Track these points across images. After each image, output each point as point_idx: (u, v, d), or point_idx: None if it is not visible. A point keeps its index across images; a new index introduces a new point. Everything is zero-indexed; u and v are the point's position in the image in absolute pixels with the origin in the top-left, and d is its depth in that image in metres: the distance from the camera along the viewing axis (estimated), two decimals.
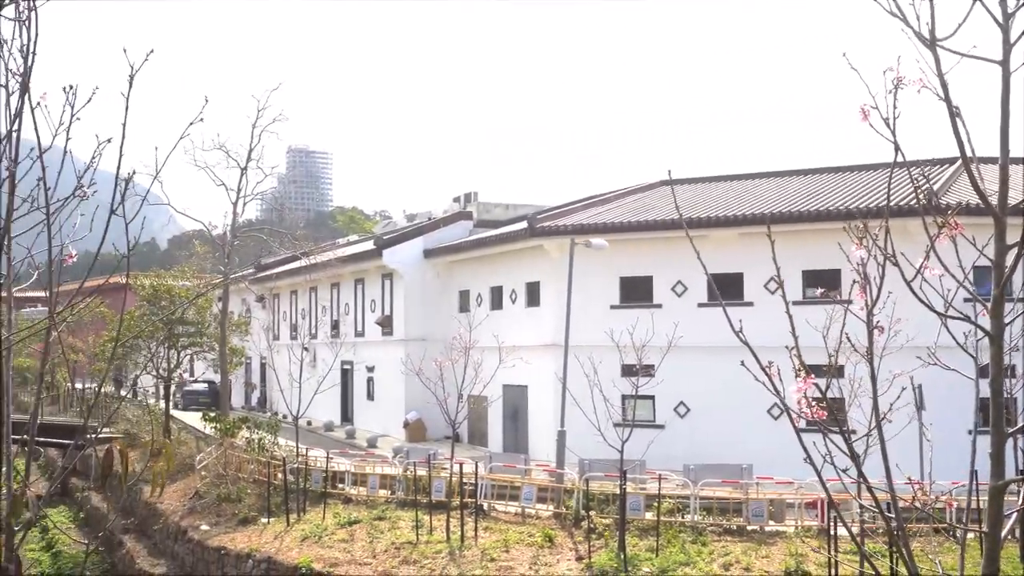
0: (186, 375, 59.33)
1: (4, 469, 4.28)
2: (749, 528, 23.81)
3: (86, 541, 36.61)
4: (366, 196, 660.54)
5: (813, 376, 4.18)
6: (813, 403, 4.17)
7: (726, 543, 23.09)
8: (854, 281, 4.43)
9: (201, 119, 5.06)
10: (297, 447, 32.68)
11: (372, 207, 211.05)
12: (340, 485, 31.23)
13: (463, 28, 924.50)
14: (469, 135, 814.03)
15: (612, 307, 35.67)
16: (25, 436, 4.75)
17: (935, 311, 4.30)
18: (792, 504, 24.40)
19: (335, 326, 52.52)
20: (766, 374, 4.21)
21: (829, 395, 4.33)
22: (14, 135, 4.22)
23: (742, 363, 4.38)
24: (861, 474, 4.26)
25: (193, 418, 48.34)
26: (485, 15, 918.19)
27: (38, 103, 4.25)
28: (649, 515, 24.32)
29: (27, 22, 4.15)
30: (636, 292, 35.94)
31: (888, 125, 4.27)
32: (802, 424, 4.36)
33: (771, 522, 23.96)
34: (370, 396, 50.25)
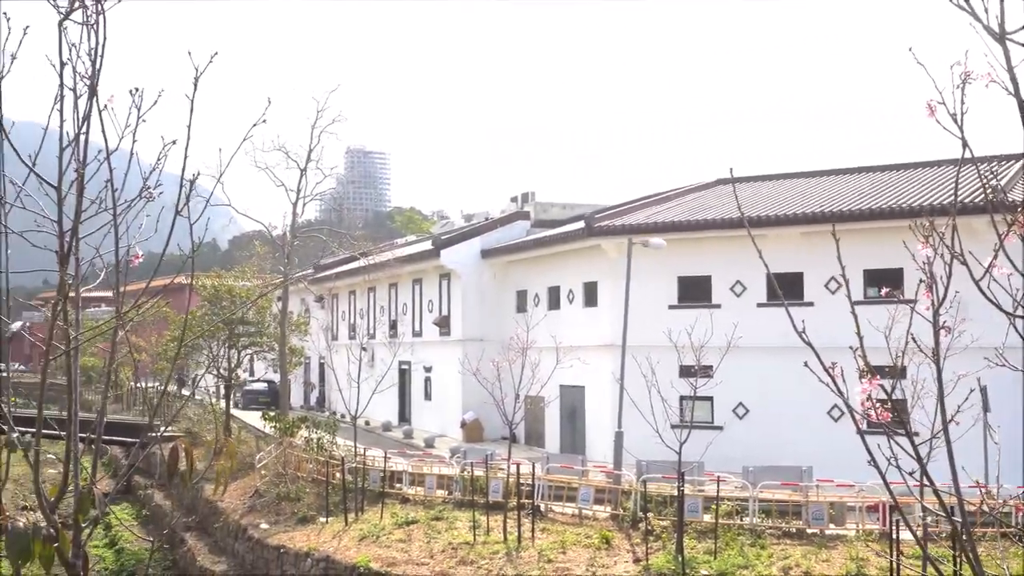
0: (246, 375, 60.01)
1: (72, 466, 4.35)
2: (809, 531, 23.54)
3: (151, 538, 37.17)
4: (424, 196, 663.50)
5: (879, 377, 4.11)
6: (878, 404, 4.11)
7: (785, 546, 22.86)
8: (920, 281, 4.35)
9: (264, 120, 5.10)
10: (355, 447, 32.90)
11: (430, 207, 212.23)
12: (398, 485, 31.38)
13: (519, 28, 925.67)
14: (526, 135, 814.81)
15: (670, 307, 35.49)
16: (90, 434, 4.82)
17: (1004, 311, 4.21)
18: (853, 507, 24.10)
19: (393, 326, 52.76)
20: (829, 375, 4.15)
21: (892, 396, 4.26)
22: (82, 138, 4.28)
23: (805, 364, 4.32)
24: (927, 476, 4.18)
25: (253, 417, 48.89)
26: (541, 15, 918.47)
27: (105, 106, 4.31)
28: (707, 517, 24.16)
29: (95, 26, 4.21)
30: (694, 292, 35.74)
31: (955, 121, 4.20)
32: (864, 426, 4.30)
33: (831, 525, 23.67)
34: (427, 396, 50.46)
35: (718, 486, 23.99)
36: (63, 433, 4.50)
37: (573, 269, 40.62)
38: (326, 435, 35.61)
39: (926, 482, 4.23)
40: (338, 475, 31.43)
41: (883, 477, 4.24)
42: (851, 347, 4.23)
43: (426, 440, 43.18)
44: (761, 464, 26.67)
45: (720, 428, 32.81)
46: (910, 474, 4.28)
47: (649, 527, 23.84)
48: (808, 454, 27.91)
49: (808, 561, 21.78)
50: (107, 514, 4.92)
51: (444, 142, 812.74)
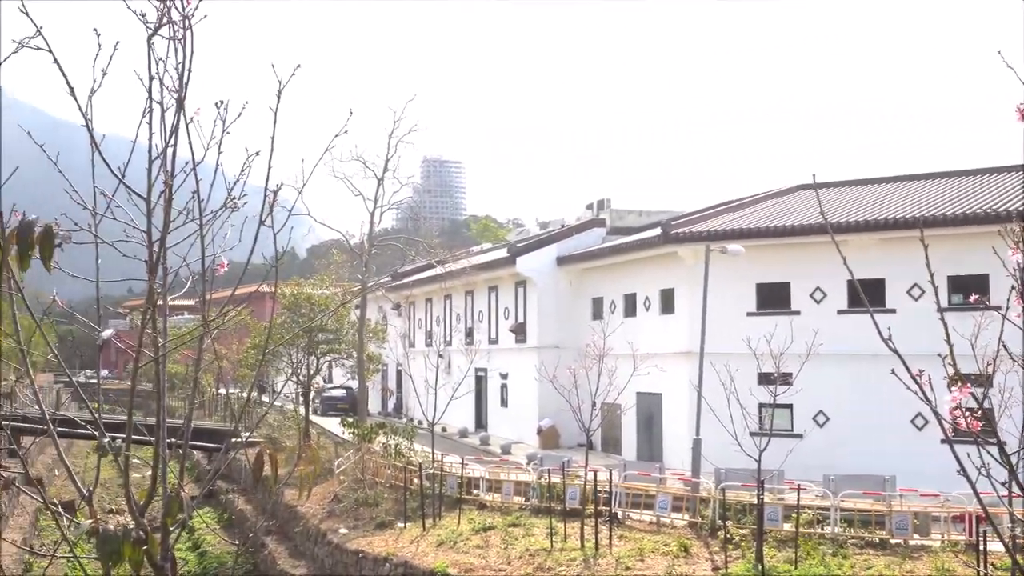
0: (324, 381, 60.62)
1: (160, 471, 4.43)
2: (893, 542, 23.09)
3: (236, 542, 37.74)
4: (499, 204, 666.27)
5: (969, 385, 4.03)
6: (967, 413, 4.02)
7: (868, 556, 22.46)
8: (1012, 287, 4.25)
9: (346, 131, 5.16)
10: (433, 453, 33.05)
11: (505, 215, 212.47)
12: (475, 491, 31.46)
13: (594, 34, 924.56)
14: (602, 142, 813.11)
15: (748, 314, 35.12)
16: (177, 439, 4.91)
17: None
18: (938, 518, 23.58)
19: (469, 333, 52.98)
20: (917, 383, 4.08)
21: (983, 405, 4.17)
22: (170, 150, 4.37)
23: (892, 371, 4.25)
24: (1020, 485, 4.09)
25: (331, 423, 49.37)
26: (613, 22, 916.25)
27: (192, 119, 4.40)
28: (787, 526, 23.82)
29: (182, 41, 4.30)
30: (773, 298, 35.33)
31: None
32: (951, 435, 4.22)
33: (916, 536, 23.19)
34: (503, 403, 50.54)
35: (798, 495, 23.64)
36: (151, 438, 4.59)
37: (649, 276, 40.41)
38: (404, 441, 35.82)
39: (1016, 491, 4.13)
40: (416, 481, 31.59)
41: (973, 486, 4.16)
42: (939, 354, 4.16)
43: (502, 447, 43.23)
44: (842, 473, 26.26)
45: (800, 436, 32.38)
46: (1002, 483, 4.18)
47: (728, 535, 23.60)
48: (890, 463, 27.42)
49: (892, 572, 21.37)
50: (191, 518, 5.01)
51: (519, 150, 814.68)
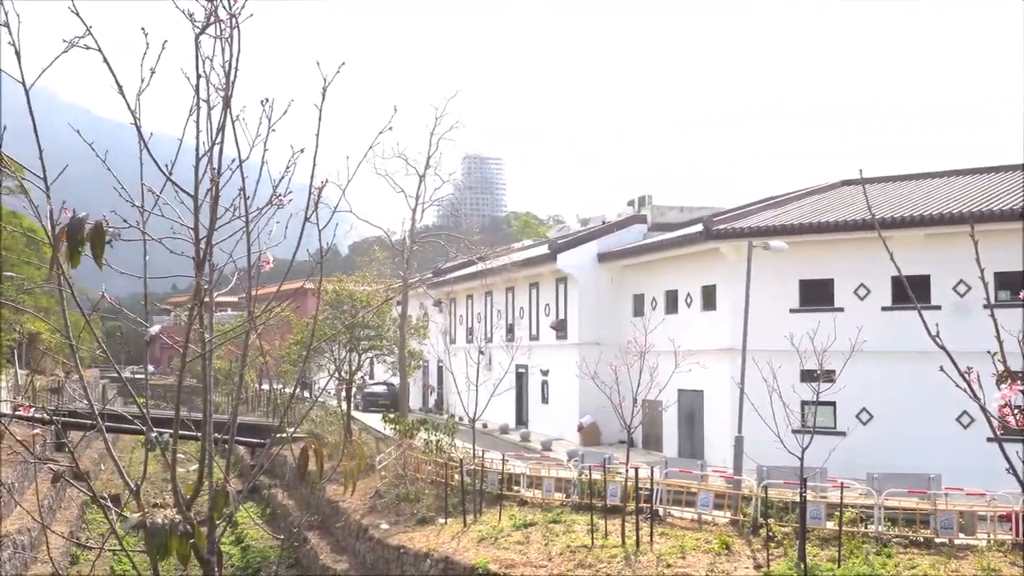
0: (365, 377, 60.87)
1: (206, 465, 4.48)
2: (937, 541, 22.84)
3: (279, 536, 38.04)
4: (539, 201, 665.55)
5: (1019, 382, 3.98)
6: (1016, 411, 3.98)
7: (912, 555, 22.23)
8: None
9: (390, 128, 5.19)
10: (473, 449, 33.10)
11: (546, 212, 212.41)
12: (515, 488, 31.46)
13: (634, 31, 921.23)
14: (643, 138, 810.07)
15: (791, 311, 34.88)
16: (223, 435, 4.95)
17: None
18: (984, 517, 23.30)
19: (510, 330, 52.96)
20: (966, 380, 4.04)
21: None
22: (216, 148, 4.42)
23: (941, 368, 4.21)
24: None
25: (373, 419, 49.60)
26: (658, 17, 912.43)
27: (238, 116, 4.44)
28: (830, 524, 23.61)
29: (229, 39, 4.34)
30: (816, 295, 35.05)
31: None
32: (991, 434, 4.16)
33: (961, 535, 22.93)
34: (544, 399, 50.51)
35: (841, 493, 23.42)
36: (198, 434, 4.63)
37: (691, 272, 40.22)
38: (445, 437, 35.92)
39: None
40: (457, 477, 31.67)
41: (1022, 484, 4.10)
42: (988, 351, 4.11)
43: (543, 443, 43.20)
44: (886, 471, 26.02)
45: (843, 434, 32.13)
46: None
47: (770, 533, 23.44)
48: (935, 461, 27.13)
49: (936, 572, 21.14)
50: (237, 512, 5.05)
51: (560, 147, 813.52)
